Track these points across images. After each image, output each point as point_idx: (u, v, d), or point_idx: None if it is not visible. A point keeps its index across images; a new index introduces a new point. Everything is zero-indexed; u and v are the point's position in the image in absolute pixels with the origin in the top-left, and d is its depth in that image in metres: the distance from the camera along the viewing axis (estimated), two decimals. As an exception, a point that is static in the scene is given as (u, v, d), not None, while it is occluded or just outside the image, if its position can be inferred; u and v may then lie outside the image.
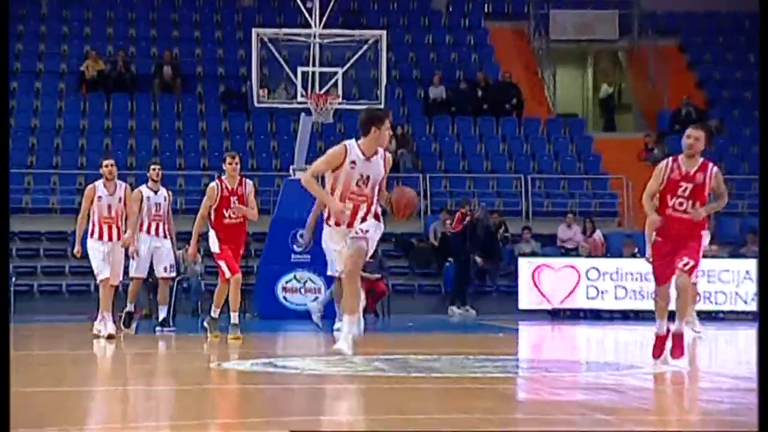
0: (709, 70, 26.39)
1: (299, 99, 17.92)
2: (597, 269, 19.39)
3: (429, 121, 24.72)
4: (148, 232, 13.02)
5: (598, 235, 20.96)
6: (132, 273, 13.07)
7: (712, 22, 27.62)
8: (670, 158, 8.58)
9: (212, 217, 11.54)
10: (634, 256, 19.00)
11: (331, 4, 17.89)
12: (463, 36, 27.45)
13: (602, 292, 19.22)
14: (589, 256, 20.24)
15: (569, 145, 24.62)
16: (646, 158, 23.54)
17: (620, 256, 20.12)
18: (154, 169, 13.36)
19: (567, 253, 20.69)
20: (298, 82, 17.81)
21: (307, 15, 18.09)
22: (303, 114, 18.06)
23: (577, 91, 29.04)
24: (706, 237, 10.32)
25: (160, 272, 13.16)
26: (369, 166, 7.71)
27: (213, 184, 11.89)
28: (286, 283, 17.96)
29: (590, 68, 29.10)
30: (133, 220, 12.35)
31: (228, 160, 11.96)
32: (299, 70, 17.96)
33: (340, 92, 18.09)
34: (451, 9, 27.62)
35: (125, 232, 12.09)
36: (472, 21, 27.32)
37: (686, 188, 8.29)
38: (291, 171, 18.17)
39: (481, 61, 26.26)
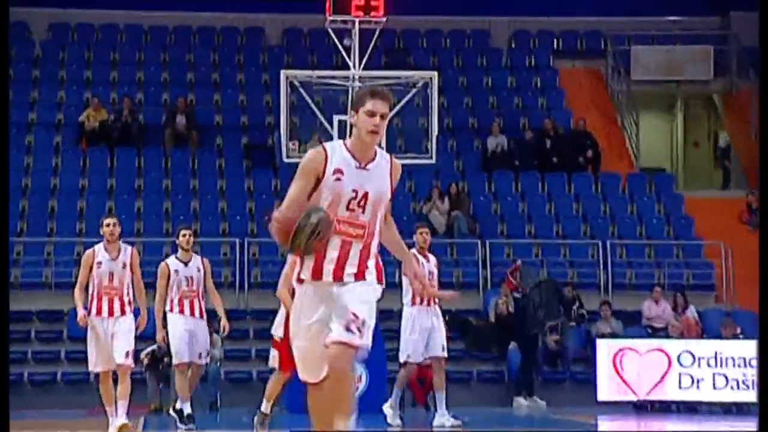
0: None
1: (336, 152, 17.95)
2: (691, 353, 19.14)
3: (488, 177, 25.25)
4: (181, 311, 12.91)
5: (691, 312, 20.78)
6: (174, 360, 13.17)
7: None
8: None
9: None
10: (736, 337, 18.81)
11: (373, 41, 18.09)
12: (528, 77, 27.80)
13: (698, 381, 19.01)
14: (681, 337, 19.99)
15: (655, 206, 24.61)
16: (749, 221, 23.36)
17: (719, 337, 19.81)
18: (184, 236, 13.22)
19: (654, 333, 20.51)
20: (335, 133, 17.94)
21: (344, 54, 18.33)
22: (340, 170, 18.14)
23: (665, 142, 29.01)
24: None
25: (194, 358, 13.01)
26: (365, 177, 5.43)
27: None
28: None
29: (680, 114, 29.02)
30: (159, 299, 12.55)
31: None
32: (335, 118, 18.13)
33: (383, 144, 18.30)
34: (513, 46, 27.96)
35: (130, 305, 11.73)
36: (539, 60, 27.76)
37: None
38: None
39: (550, 106, 26.55)
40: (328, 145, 5.53)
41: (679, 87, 27.80)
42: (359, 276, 5.35)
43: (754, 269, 22.92)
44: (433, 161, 18.97)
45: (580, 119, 26.15)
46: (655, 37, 27.55)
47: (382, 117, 5.36)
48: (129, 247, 12.17)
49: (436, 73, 18.52)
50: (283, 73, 19.09)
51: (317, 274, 5.42)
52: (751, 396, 17.34)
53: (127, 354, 11.73)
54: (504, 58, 27.77)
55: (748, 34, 26.71)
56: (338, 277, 5.34)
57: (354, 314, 5.38)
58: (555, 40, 28.29)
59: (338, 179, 5.35)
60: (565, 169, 24.91)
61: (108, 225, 11.63)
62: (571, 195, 25.25)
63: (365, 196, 5.40)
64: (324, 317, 5.43)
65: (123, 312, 11.81)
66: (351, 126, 5.61)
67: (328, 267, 5.32)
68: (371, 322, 5.53)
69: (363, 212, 5.40)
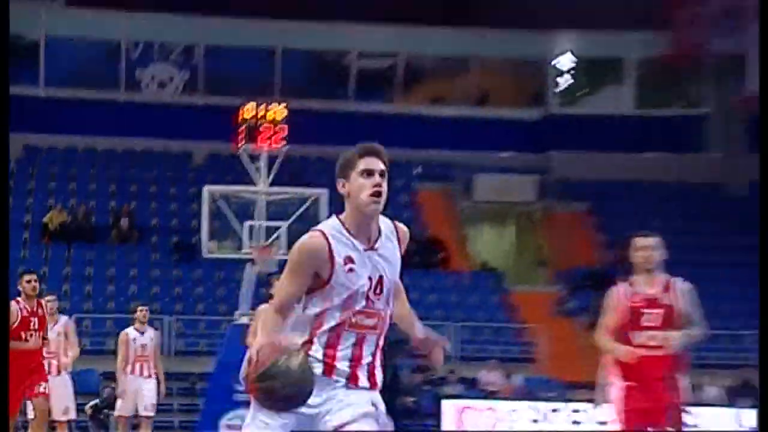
0: (616, 232, 27.79)
1: (245, 250, 18.50)
2: (517, 411, 20.18)
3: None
4: (133, 371, 12.94)
5: (519, 380, 21.68)
6: (116, 412, 13.43)
7: (619, 188, 29.18)
8: (621, 283, 6.82)
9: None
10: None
11: (277, 163, 18.79)
12: (393, 197, 28.55)
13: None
14: (508, 399, 20.88)
15: (491, 296, 25.80)
16: (560, 311, 24.49)
17: (537, 399, 20.75)
18: (141, 311, 13.40)
19: (488, 396, 21.29)
20: (245, 236, 18.42)
21: (253, 174, 18.89)
22: (248, 264, 18.66)
23: (499, 248, 30.17)
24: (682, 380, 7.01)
25: (140, 410, 12.99)
26: (376, 260, 3.57)
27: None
28: (229, 420, 18.13)
29: (511, 227, 30.24)
30: (119, 362, 12.83)
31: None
32: (246, 224, 18.53)
33: (283, 244, 18.77)
34: (385, 171, 28.74)
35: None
36: (404, 183, 28.59)
37: (652, 315, 6.47)
38: (236, 316, 18.64)
39: (410, 219, 27.33)
40: (324, 227, 3.56)
41: (510, 206, 28.81)
42: (374, 384, 3.52)
43: (565, 346, 24.08)
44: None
45: (433, 229, 27.56)
46: (492, 167, 28.69)
47: (382, 175, 3.53)
48: (64, 317, 12.39)
49: (326, 191, 19.01)
50: (206, 188, 19.50)
51: (329, 372, 3.47)
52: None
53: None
54: (377, 181, 28.37)
55: (564, 167, 28.20)
56: (354, 381, 3.46)
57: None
58: (415, 167, 29.16)
59: (351, 269, 3.48)
60: (423, 267, 25.27)
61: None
62: (427, 287, 26.07)
63: (380, 281, 3.57)
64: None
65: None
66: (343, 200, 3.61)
67: (342, 365, 3.45)
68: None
69: (380, 299, 3.56)
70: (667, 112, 31.21)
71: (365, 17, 28.98)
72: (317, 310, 3.47)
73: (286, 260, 3.67)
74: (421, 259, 26.86)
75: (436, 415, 21.47)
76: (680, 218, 28.25)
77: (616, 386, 6.47)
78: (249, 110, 19.59)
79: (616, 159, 29.89)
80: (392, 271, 3.60)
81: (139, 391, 12.92)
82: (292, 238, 20.26)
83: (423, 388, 22.24)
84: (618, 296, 6.50)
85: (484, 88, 31.71)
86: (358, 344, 3.47)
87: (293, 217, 20.06)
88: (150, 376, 12.99)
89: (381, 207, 3.53)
